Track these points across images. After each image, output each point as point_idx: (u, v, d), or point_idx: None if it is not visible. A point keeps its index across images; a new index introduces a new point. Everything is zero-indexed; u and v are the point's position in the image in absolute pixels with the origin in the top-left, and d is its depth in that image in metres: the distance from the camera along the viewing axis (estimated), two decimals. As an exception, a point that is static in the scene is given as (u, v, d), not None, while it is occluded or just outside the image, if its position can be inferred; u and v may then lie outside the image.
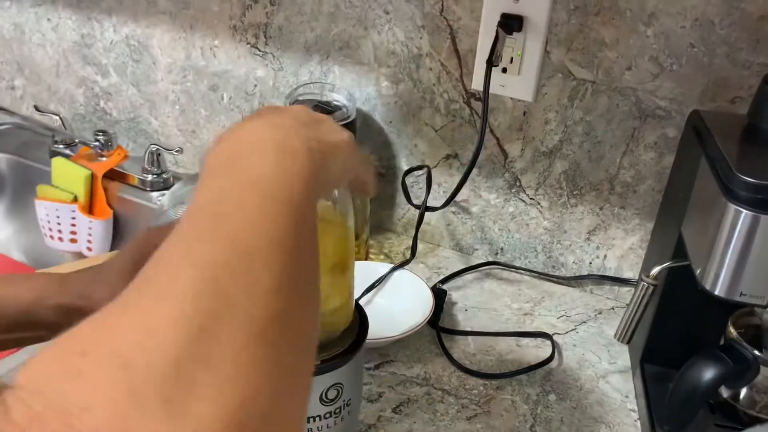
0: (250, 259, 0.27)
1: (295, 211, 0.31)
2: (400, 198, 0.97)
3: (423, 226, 0.96)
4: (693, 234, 0.62)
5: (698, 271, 0.58)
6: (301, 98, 0.91)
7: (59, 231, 1.03)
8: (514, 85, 0.82)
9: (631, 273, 0.88)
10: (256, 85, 1.00)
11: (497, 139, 0.87)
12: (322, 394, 0.51)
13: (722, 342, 0.66)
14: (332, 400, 0.52)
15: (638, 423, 0.70)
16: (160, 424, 0.20)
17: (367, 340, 0.53)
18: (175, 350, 0.22)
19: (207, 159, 0.35)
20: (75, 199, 1.02)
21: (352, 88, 0.93)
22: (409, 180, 0.96)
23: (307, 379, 0.28)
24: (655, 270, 0.65)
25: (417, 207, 0.92)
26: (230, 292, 0.25)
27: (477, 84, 0.85)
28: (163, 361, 0.21)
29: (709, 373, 0.63)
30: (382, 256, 0.96)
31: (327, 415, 0.52)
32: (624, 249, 0.87)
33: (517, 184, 0.89)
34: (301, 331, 0.28)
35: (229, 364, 0.22)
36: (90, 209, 1.03)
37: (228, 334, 0.23)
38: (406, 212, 1.00)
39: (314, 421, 0.52)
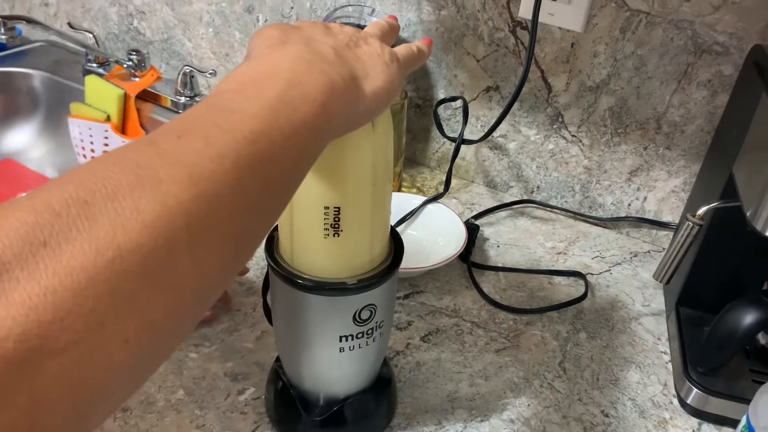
0: (141, 189, 0.25)
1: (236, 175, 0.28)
2: (435, 131, 0.95)
3: (457, 161, 0.94)
4: (746, 174, 0.60)
5: (749, 212, 0.56)
6: (338, 22, 0.88)
7: (92, 150, 1.03)
8: (564, 13, 0.79)
9: (671, 216, 0.85)
10: (292, 7, 0.97)
11: (542, 71, 0.84)
12: (355, 314, 0.50)
13: (765, 287, 0.64)
14: (365, 320, 0.51)
15: (670, 365, 0.69)
16: None
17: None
18: (9, 252, 0.22)
19: (222, 81, 0.34)
20: (108, 119, 1.01)
21: (392, 12, 0.90)
22: (445, 112, 0.94)
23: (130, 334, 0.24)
24: (702, 210, 0.62)
25: (452, 140, 0.90)
26: (94, 215, 0.24)
27: (524, 11, 0.81)
28: None
29: (749, 318, 0.61)
30: (414, 190, 0.95)
31: (359, 335, 0.52)
32: (666, 191, 0.84)
33: (560, 120, 0.86)
34: (157, 278, 0.25)
35: (56, 278, 0.22)
36: (123, 129, 1.02)
37: (70, 255, 0.23)
38: (440, 146, 0.97)
39: (346, 340, 0.51)
